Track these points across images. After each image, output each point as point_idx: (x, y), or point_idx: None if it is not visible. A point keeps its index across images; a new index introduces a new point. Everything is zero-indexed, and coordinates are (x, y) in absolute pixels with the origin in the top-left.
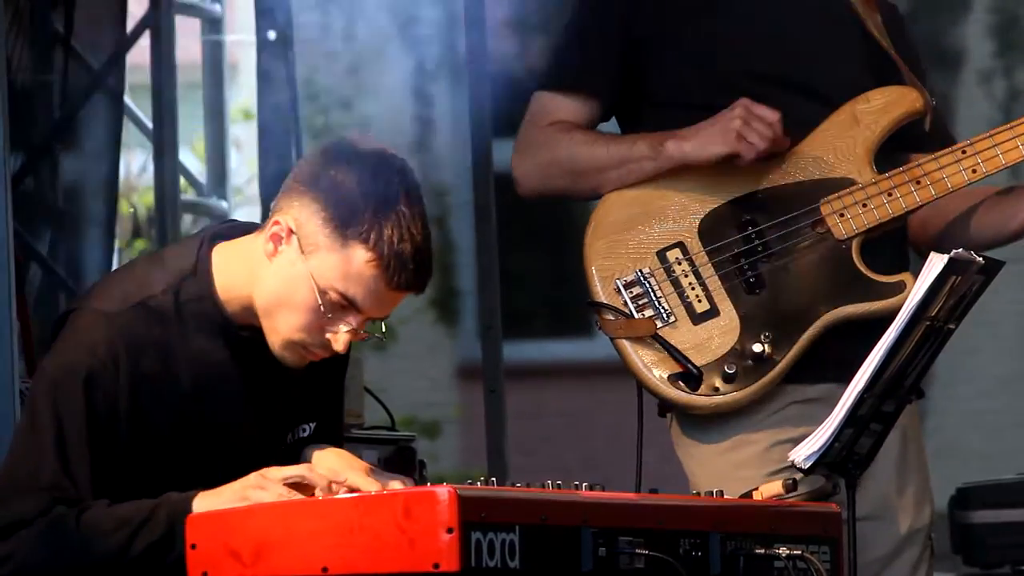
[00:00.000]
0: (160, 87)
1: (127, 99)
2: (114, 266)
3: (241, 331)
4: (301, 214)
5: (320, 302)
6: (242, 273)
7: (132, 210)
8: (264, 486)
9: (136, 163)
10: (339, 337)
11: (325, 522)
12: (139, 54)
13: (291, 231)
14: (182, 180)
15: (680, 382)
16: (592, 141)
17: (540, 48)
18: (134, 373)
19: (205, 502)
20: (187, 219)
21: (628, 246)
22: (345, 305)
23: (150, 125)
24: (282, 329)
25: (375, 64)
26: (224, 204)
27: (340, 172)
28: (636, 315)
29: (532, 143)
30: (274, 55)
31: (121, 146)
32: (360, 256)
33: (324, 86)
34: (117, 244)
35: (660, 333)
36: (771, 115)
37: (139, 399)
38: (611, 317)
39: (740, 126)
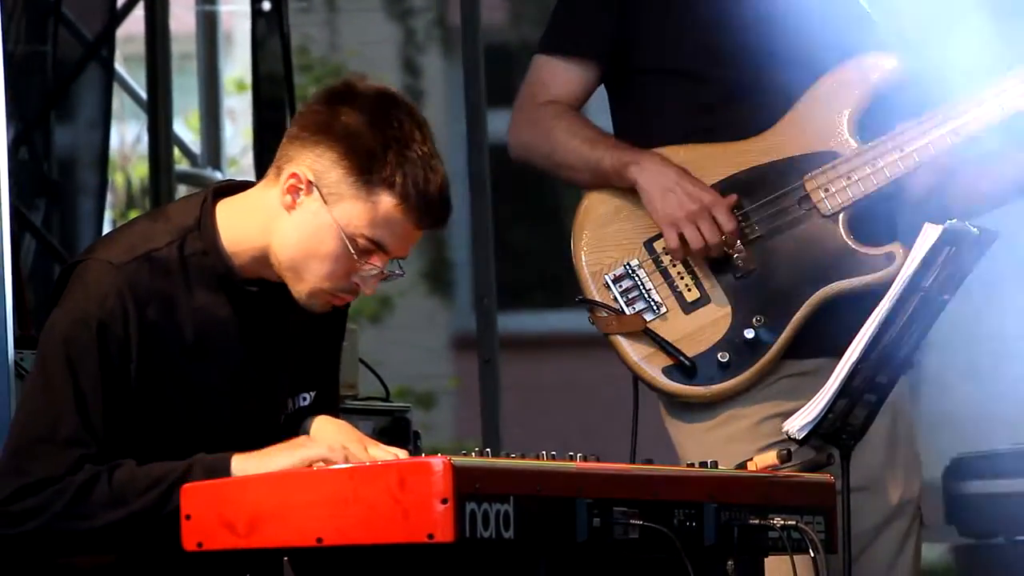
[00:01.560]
0: (154, 58)
1: (122, 70)
2: None
3: (248, 285)
4: (318, 164)
5: (352, 250)
6: (252, 226)
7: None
8: (308, 444)
9: (130, 134)
10: (367, 280)
11: (320, 493)
12: (133, 24)
13: (310, 183)
14: (176, 151)
15: (675, 374)
16: (571, 137)
17: (532, 17)
18: (141, 323)
19: (242, 464)
20: (181, 189)
21: (615, 238)
22: (372, 249)
23: (144, 96)
24: (310, 279)
25: (369, 34)
26: (218, 175)
27: (350, 116)
28: (626, 310)
29: (524, 119)
30: (268, 25)
31: (114, 117)
32: (387, 202)
33: (318, 56)
34: (111, 215)
35: (651, 326)
36: (728, 224)
37: (147, 349)
38: (603, 314)
39: (683, 218)
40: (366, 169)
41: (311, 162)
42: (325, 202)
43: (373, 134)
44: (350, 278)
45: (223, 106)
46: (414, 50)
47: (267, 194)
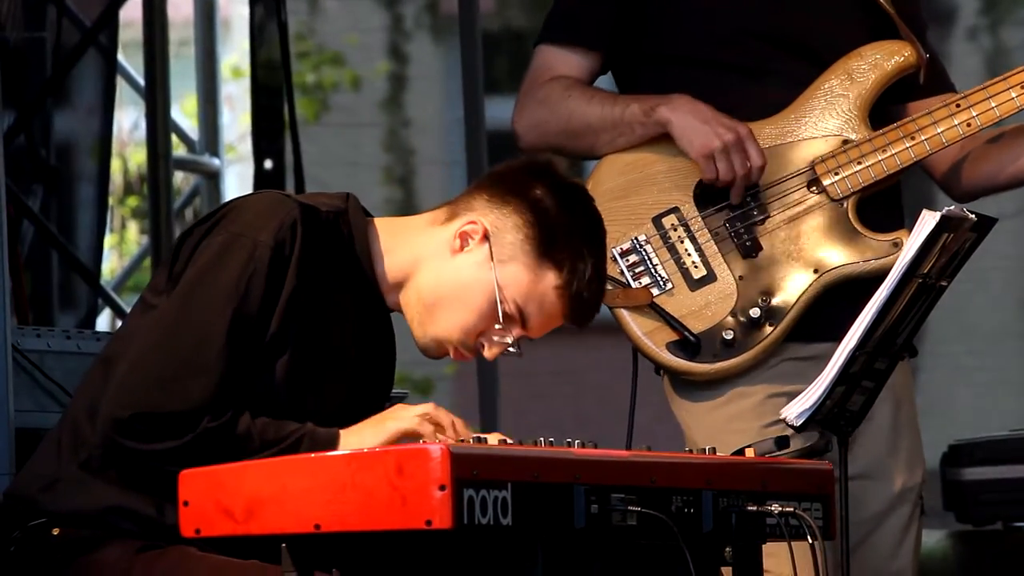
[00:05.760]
0: (152, 44)
1: (120, 56)
2: (107, 224)
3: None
4: (502, 223)
5: (500, 311)
6: (405, 249)
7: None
8: (400, 416)
9: (128, 120)
10: (493, 346)
11: (318, 479)
12: (131, 10)
13: (486, 235)
14: (174, 137)
15: (678, 350)
16: (588, 100)
17: (521, 4)
18: (302, 260)
19: (351, 440)
20: (179, 176)
21: (623, 213)
22: (515, 319)
23: (142, 82)
24: (443, 324)
25: (367, 22)
26: (216, 161)
27: (545, 192)
28: (633, 284)
29: (532, 99)
30: (266, 12)
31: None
32: (550, 280)
33: (316, 43)
34: (109, 201)
35: (657, 301)
36: (757, 159)
37: (298, 287)
38: (608, 287)
39: (720, 148)
40: (546, 244)
41: (494, 218)
42: (492, 258)
43: (563, 216)
44: (477, 339)
45: (221, 92)
46: (409, 36)
47: (431, 229)
